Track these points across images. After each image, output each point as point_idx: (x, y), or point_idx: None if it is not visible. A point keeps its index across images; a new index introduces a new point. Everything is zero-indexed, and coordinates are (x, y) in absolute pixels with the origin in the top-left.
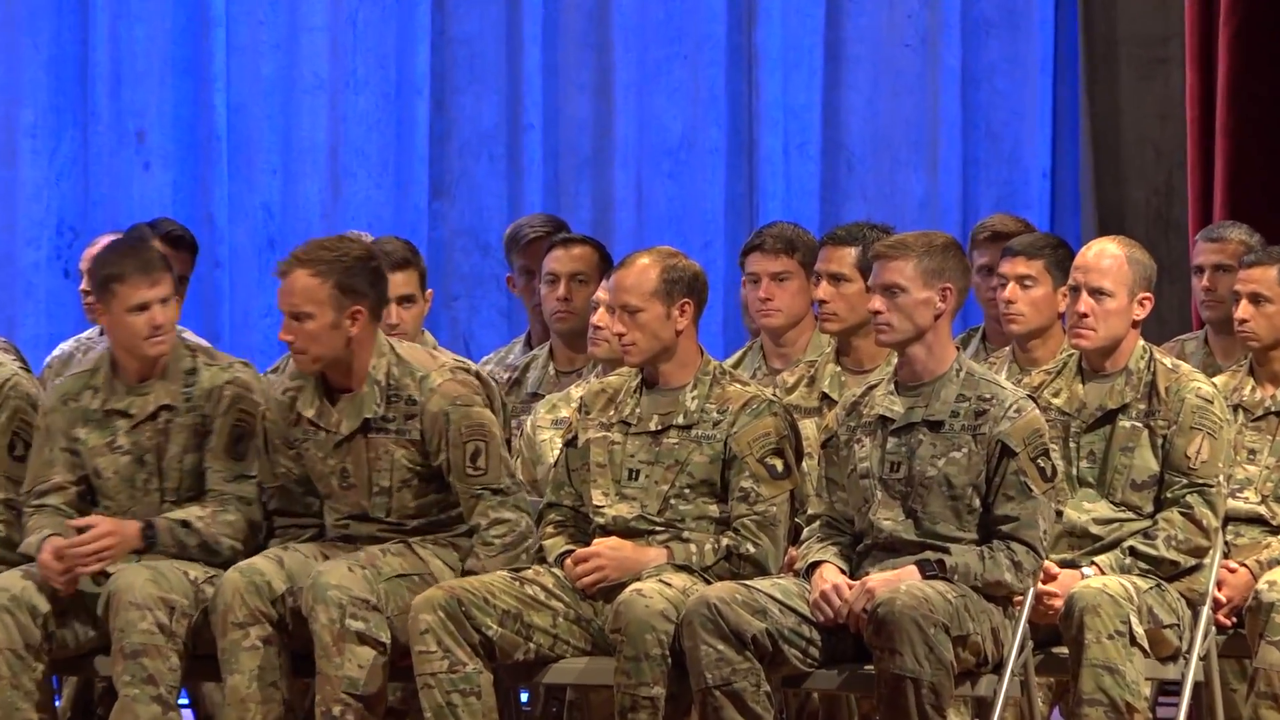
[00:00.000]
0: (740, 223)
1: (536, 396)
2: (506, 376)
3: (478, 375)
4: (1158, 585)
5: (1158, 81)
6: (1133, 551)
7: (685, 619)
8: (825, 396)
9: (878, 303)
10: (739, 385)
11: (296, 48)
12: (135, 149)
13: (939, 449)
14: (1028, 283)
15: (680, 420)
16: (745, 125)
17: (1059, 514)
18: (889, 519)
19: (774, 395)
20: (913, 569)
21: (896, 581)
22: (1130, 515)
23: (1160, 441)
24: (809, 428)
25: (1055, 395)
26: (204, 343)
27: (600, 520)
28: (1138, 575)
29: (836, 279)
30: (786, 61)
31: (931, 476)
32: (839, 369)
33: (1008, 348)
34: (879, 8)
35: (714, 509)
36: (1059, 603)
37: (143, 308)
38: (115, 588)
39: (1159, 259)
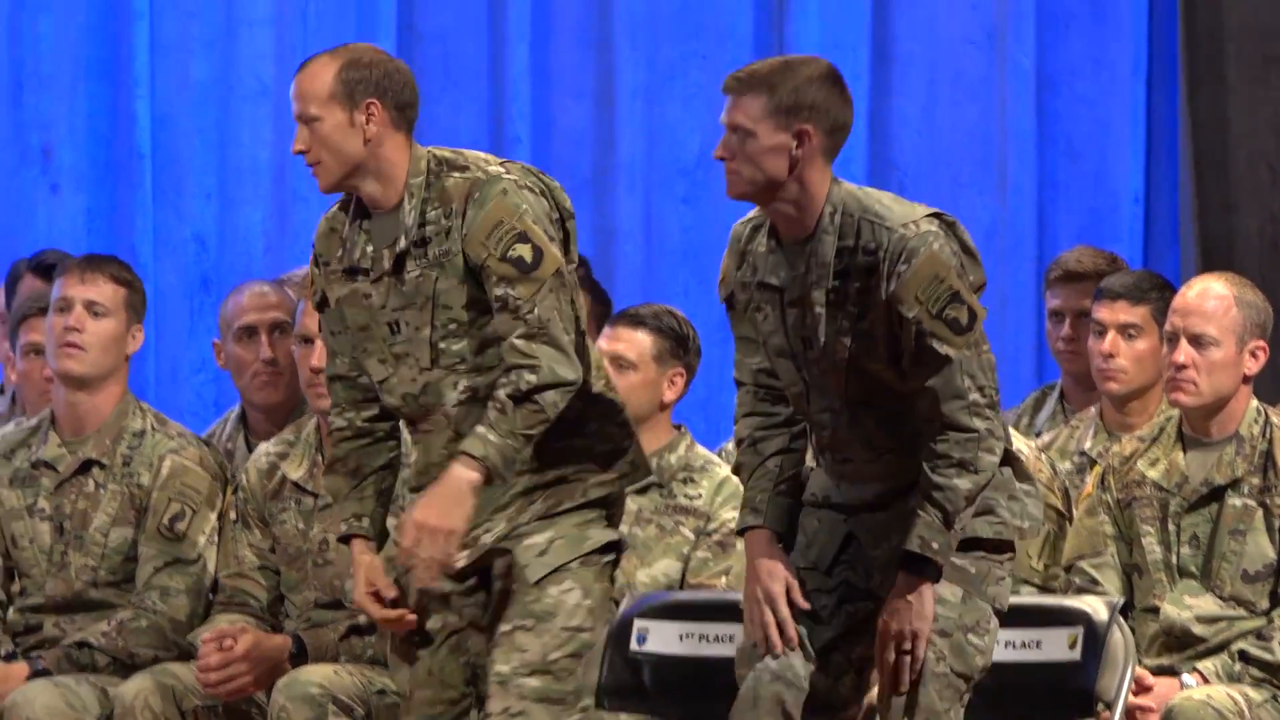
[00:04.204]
0: None
1: None
2: None
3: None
4: (1274, 697)
5: (1274, 86)
6: (1244, 656)
7: None
8: None
9: (724, 148)
10: (458, 175)
11: (234, 46)
12: (41, 168)
13: (839, 323)
14: (1131, 332)
15: (403, 243)
16: None
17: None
18: (824, 411)
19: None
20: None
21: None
22: (1241, 612)
23: (1278, 524)
24: None
25: (1151, 466)
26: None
27: (389, 400)
28: (1250, 685)
29: None
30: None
31: (842, 358)
32: None
33: (1093, 409)
34: None
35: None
36: (1155, 719)
37: (63, 305)
38: (9, 705)
39: (1275, 301)
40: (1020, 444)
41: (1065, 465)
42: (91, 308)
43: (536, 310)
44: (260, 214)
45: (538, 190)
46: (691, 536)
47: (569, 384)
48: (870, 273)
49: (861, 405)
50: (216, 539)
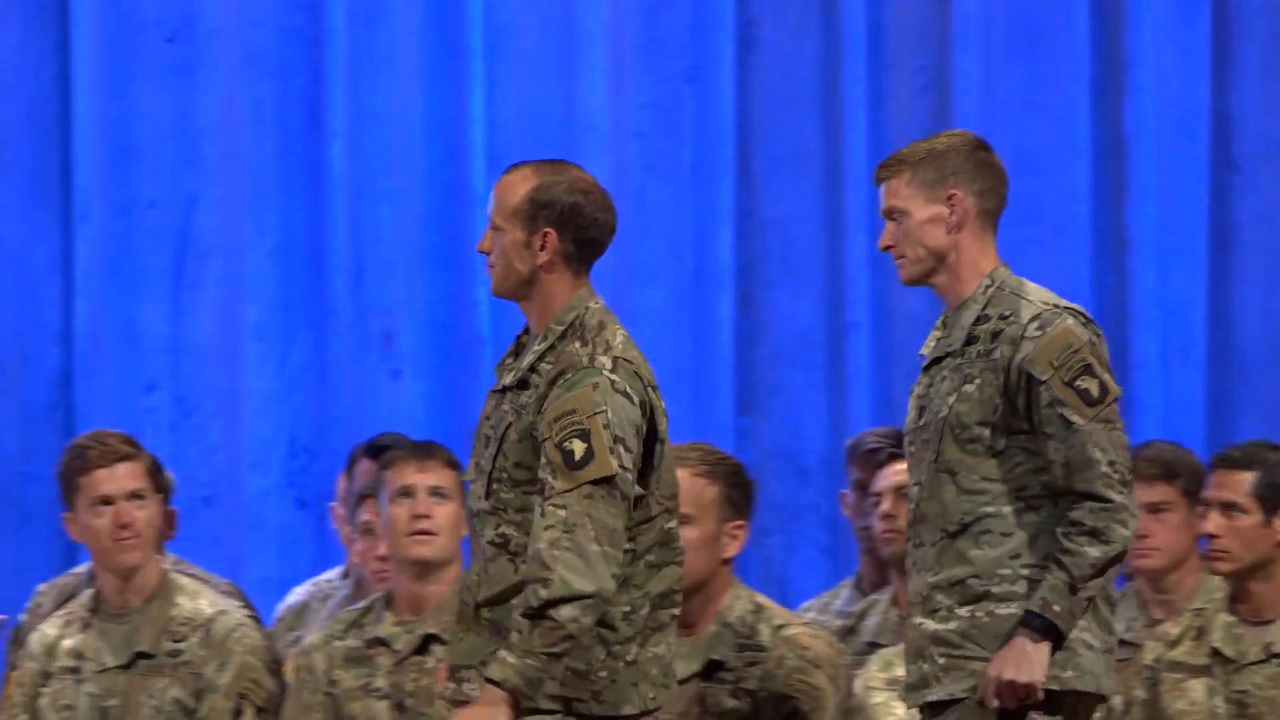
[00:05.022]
0: None
1: (875, 646)
2: (838, 625)
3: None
4: None
5: None
6: None
7: None
8: (1216, 653)
9: (887, 236)
10: (578, 345)
11: None
12: (381, 353)
13: (952, 384)
14: None
15: (510, 379)
16: (1115, 324)
17: None
18: (916, 484)
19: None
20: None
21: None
22: None
23: None
24: (1196, 689)
25: None
26: None
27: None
28: None
29: (1229, 508)
30: (1164, 247)
31: (942, 417)
32: (1233, 619)
33: None
34: (1276, 182)
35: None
36: None
37: (406, 493)
38: None
39: None
40: None
41: None
42: (435, 492)
43: (566, 511)
44: None
45: (636, 398)
46: None
47: (586, 596)
48: (995, 337)
49: (946, 474)
50: None
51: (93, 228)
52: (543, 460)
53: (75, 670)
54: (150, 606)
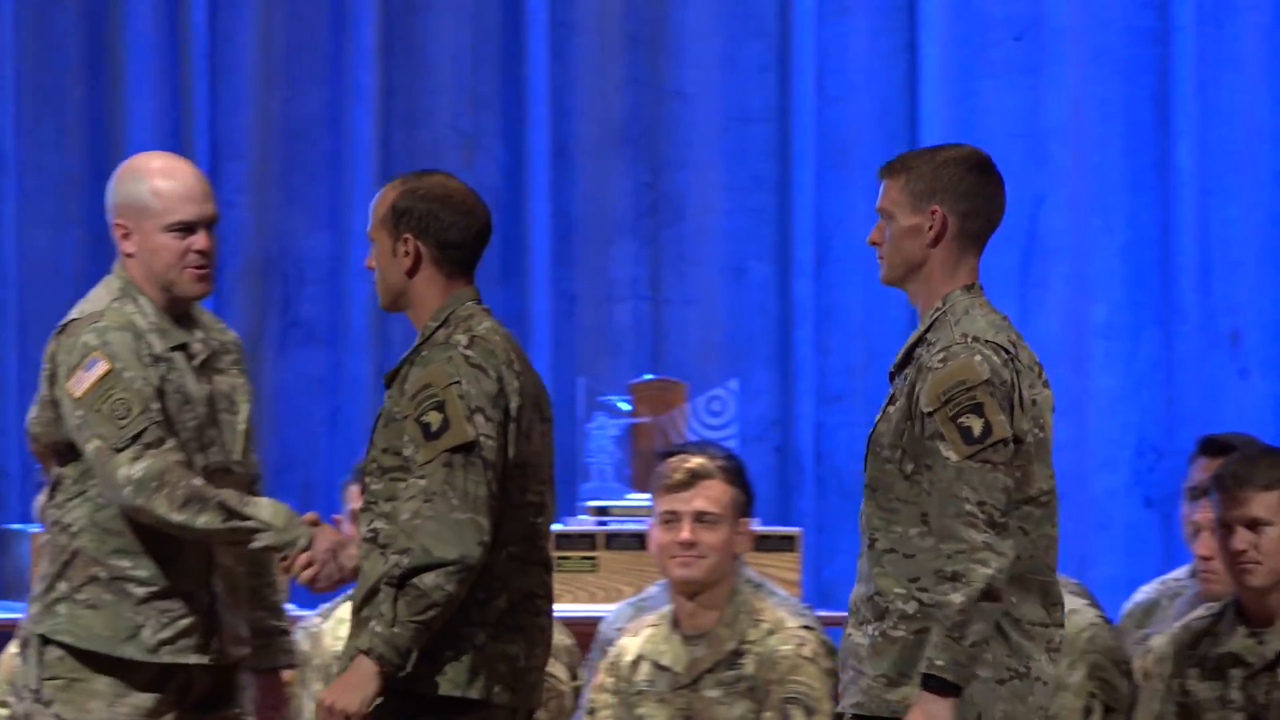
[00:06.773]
0: None
1: None
2: None
3: None
4: None
5: None
6: None
7: None
8: None
9: (875, 233)
10: (444, 330)
11: None
12: (1228, 353)
13: (885, 406)
14: None
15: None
16: None
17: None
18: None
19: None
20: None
21: None
22: None
23: None
24: None
25: None
26: None
27: None
28: None
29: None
30: None
31: (870, 433)
32: None
33: None
34: None
35: None
36: None
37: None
38: None
39: None
40: None
41: None
42: None
43: (427, 480)
44: None
45: (491, 373)
46: None
47: (449, 564)
48: (916, 361)
49: (870, 490)
50: None
51: None
52: (406, 438)
53: None
54: None
